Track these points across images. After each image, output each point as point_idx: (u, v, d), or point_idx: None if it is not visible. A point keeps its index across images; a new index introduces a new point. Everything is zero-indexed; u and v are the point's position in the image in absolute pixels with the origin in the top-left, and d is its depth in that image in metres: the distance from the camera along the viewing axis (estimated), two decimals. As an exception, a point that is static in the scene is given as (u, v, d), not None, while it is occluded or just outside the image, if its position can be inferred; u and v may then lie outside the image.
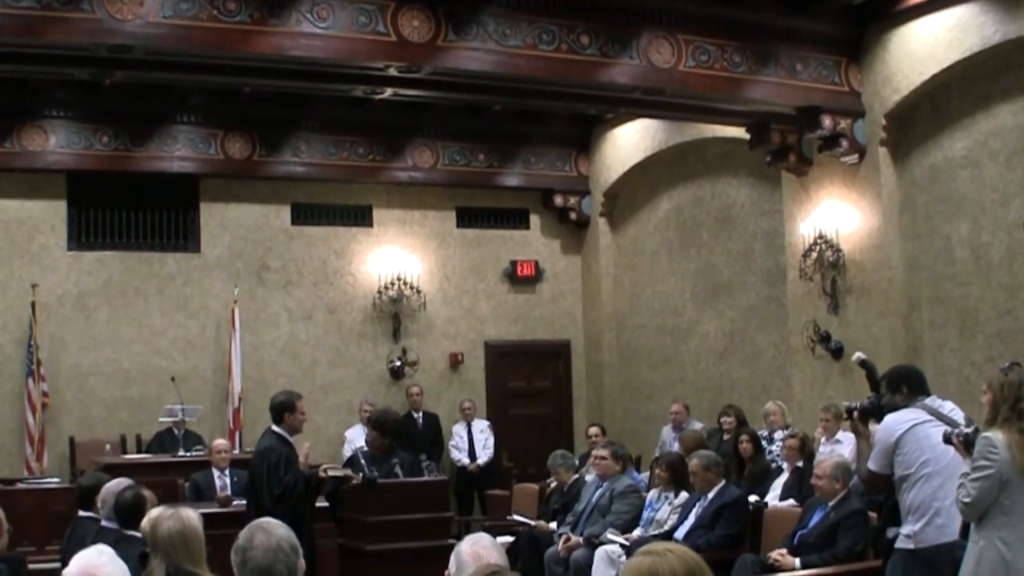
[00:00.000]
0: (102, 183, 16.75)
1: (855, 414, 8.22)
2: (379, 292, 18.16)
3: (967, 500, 6.46)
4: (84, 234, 16.78)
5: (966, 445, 6.61)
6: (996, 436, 6.41)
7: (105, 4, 10.35)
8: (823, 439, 12.70)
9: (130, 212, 17.01)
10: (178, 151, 16.53)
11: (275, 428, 10.16)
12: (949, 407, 7.82)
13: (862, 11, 13.72)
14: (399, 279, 18.21)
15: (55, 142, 15.93)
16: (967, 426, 6.96)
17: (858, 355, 9.01)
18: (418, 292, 18.31)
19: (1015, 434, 6.38)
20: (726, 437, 14.20)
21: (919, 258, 13.66)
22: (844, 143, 13.83)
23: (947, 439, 6.85)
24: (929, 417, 7.64)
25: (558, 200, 19.11)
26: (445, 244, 18.85)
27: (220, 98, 16.44)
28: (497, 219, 19.31)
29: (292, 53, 11.41)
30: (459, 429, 17.87)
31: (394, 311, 18.24)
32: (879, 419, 7.97)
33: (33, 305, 15.98)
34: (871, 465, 7.88)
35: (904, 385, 7.98)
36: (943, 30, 12.89)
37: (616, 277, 19.08)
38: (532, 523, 13.22)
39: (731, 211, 16.68)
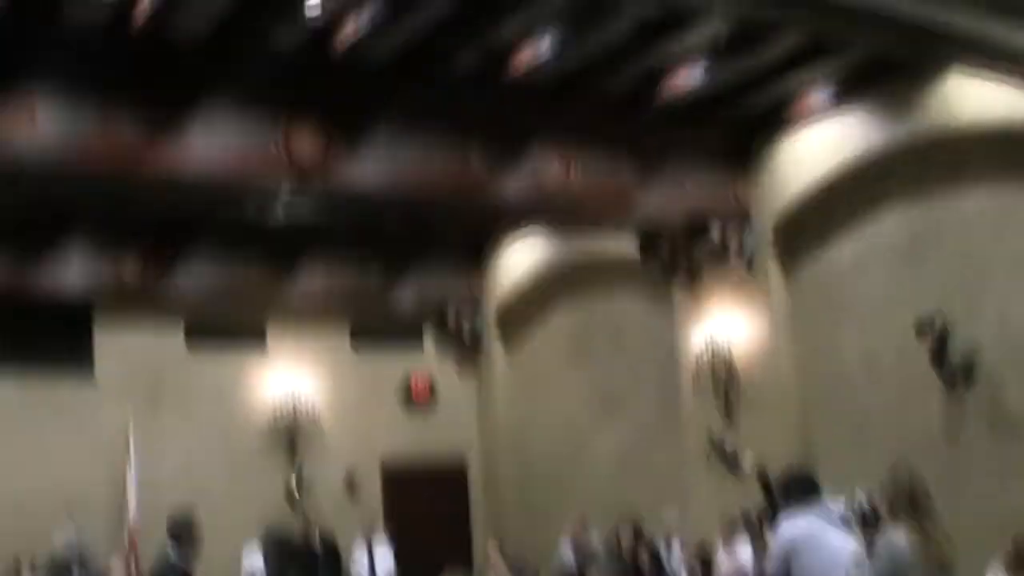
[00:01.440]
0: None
1: (754, 521, 8.27)
2: (274, 415, 18.03)
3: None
4: (-25, 361, 16.51)
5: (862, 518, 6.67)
6: (899, 539, 6.44)
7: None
8: (722, 547, 12.75)
9: (22, 337, 16.78)
10: (71, 274, 16.34)
11: (171, 550, 10.02)
12: (842, 509, 7.87)
13: (749, 122, 13.92)
14: (294, 400, 18.09)
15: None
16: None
17: (752, 464, 9.08)
18: (313, 414, 18.19)
19: (913, 531, 6.44)
20: (623, 549, 14.16)
21: (809, 365, 13.82)
22: (733, 253, 13.98)
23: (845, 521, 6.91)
24: (823, 521, 7.67)
25: (452, 320, 19.11)
26: (340, 364, 18.76)
27: (112, 218, 16.28)
28: (392, 338, 19.27)
29: (186, 169, 11.39)
30: (359, 550, 17.66)
31: (289, 434, 18.10)
32: (775, 525, 8.00)
33: (-76, 434, 15.69)
34: (768, 572, 7.90)
35: (797, 491, 8.01)
36: (828, 139, 13.17)
37: (511, 396, 19.06)
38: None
39: (624, 324, 16.75)
